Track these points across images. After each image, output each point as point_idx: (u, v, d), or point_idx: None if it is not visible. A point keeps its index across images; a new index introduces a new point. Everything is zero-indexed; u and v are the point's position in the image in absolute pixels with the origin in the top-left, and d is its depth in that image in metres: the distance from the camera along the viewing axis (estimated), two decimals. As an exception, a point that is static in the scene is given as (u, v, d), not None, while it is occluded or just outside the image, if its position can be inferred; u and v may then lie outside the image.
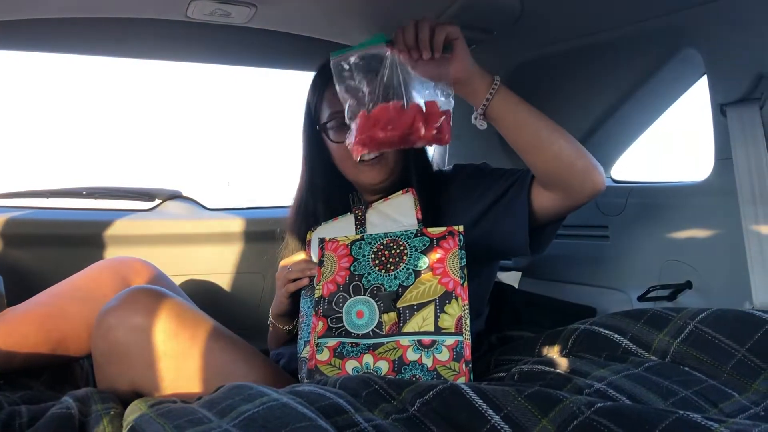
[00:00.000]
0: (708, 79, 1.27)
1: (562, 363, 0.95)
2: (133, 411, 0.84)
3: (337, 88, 1.01)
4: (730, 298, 1.21)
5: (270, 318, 1.29)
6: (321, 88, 1.22)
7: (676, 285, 1.33)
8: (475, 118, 1.05)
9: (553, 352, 1.05)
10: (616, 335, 0.98)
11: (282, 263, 1.22)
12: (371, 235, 1.09)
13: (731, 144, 1.18)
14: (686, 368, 0.87)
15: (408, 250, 1.05)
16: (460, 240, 1.04)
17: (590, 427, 0.65)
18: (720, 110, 1.22)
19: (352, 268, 1.04)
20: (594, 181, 1.06)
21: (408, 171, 1.23)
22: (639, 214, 1.47)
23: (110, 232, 1.65)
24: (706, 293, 1.29)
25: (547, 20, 1.40)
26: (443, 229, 1.06)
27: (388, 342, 0.97)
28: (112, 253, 1.64)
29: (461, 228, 1.05)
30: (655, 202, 1.45)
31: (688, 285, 1.32)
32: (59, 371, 1.19)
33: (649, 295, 1.36)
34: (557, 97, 1.65)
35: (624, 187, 1.55)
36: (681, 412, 0.65)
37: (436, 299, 0.99)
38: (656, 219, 1.42)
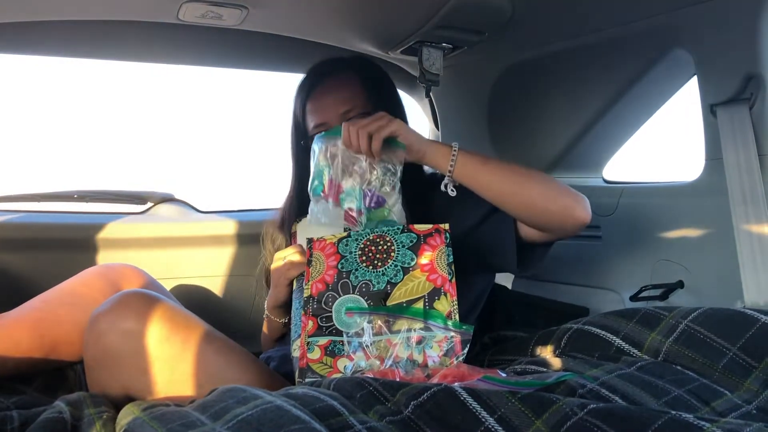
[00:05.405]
0: (698, 80, 1.27)
1: (556, 363, 0.96)
2: (126, 415, 0.83)
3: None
4: (721, 298, 1.22)
5: (266, 312, 1.28)
6: (303, 99, 1.25)
7: (667, 285, 1.34)
8: (445, 186, 1.10)
9: (546, 352, 1.05)
10: (608, 335, 0.99)
11: (278, 254, 1.22)
12: (358, 231, 1.08)
13: (722, 144, 1.19)
14: (678, 367, 0.87)
15: (395, 246, 1.04)
16: (446, 237, 1.05)
17: (583, 428, 0.65)
18: (710, 110, 1.23)
19: (339, 266, 1.04)
20: (574, 218, 1.08)
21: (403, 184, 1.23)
22: (631, 214, 1.47)
23: (102, 235, 1.64)
24: (698, 293, 1.30)
25: (538, 22, 1.40)
26: (429, 226, 1.07)
27: (378, 340, 0.98)
28: (104, 256, 1.63)
29: (447, 226, 1.06)
30: (647, 202, 1.45)
31: (680, 285, 1.33)
32: (52, 376, 1.18)
33: (641, 295, 1.36)
34: (548, 99, 1.65)
35: (616, 188, 1.56)
36: (673, 412, 0.65)
37: (425, 296, 0.99)
38: (648, 219, 1.43)
